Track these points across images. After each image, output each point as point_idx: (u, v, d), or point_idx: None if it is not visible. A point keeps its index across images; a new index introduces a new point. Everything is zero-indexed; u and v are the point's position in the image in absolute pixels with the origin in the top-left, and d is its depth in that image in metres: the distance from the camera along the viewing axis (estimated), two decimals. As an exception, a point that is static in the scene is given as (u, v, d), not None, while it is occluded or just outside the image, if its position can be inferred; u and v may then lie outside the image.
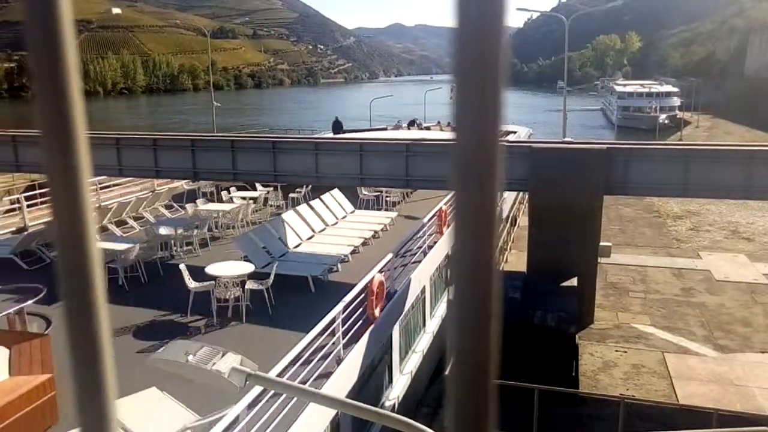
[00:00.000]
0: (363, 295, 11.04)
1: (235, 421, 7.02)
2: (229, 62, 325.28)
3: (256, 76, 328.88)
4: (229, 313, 12.13)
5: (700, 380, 14.74)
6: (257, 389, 7.31)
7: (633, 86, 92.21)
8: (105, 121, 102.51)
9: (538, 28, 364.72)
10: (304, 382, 8.61)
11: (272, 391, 7.46)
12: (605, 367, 15.42)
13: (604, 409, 13.06)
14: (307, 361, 9.09)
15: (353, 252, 15.91)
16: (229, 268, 12.73)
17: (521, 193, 26.72)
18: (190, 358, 7.91)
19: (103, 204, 19.40)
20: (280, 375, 8.01)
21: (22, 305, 10.60)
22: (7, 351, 8.01)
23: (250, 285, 12.42)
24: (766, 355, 15.95)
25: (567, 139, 27.16)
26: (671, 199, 30.43)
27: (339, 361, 9.73)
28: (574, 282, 15.41)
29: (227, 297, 12.20)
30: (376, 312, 11.14)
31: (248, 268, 12.86)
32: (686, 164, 15.29)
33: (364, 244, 16.79)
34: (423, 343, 14.59)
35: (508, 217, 25.36)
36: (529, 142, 20.54)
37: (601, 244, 17.01)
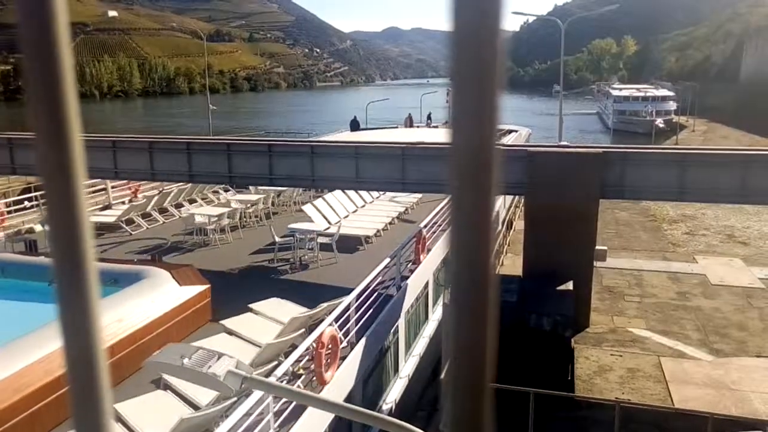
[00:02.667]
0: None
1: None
2: (226, 65, 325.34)
3: (252, 79, 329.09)
4: (306, 259, 15.93)
5: (696, 384, 14.76)
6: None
7: (629, 90, 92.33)
8: (101, 123, 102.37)
9: (534, 32, 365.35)
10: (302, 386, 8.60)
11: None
12: (601, 370, 15.43)
13: (600, 413, 13.06)
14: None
15: (390, 223, 19.35)
16: (305, 227, 16.41)
17: (517, 197, 26.77)
18: (186, 361, 7.89)
19: (179, 187, 22.39)
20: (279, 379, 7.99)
21: (156, 251, 16.13)
22: (167, 272, 12.12)
23: (320, 239, 16.08)
24: (761, 359, 15.98)
25: (563, 143, 27.20)
26: (667, 203, 30.50)
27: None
28: (569, 285, 15.42)
29: (303, 247, 16.14)
30: (422, 257, 14.48)
31: (317, 227, 16.54)
32: (682, 168, 15.32)
33: (397, 217, 20.26)
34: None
35: (504, 220, 25.40)
36: (526, 145, 20.60)
37: (597, 247, 17.02)
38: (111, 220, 19.02)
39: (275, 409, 7.75)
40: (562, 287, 15.33)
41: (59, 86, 0.52)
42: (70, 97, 0.53)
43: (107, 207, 21.54)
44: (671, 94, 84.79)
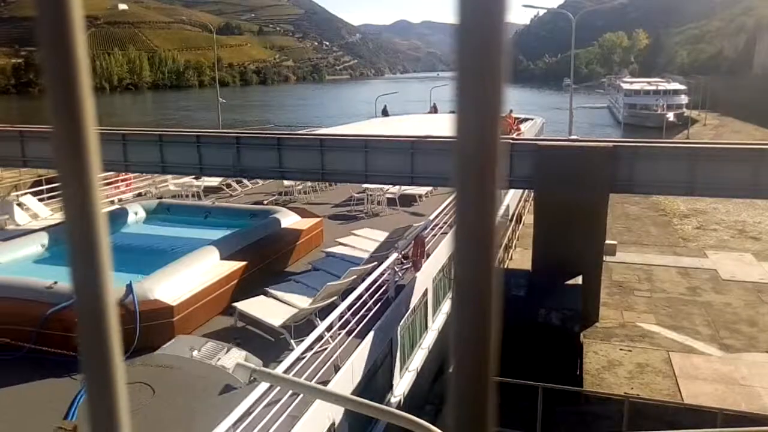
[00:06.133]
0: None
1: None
2: (235, 58, 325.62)
3: (262, 72, 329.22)
4: (375, 210, 20.24)
5: (705, 379, 14.70)
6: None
7: (640, 84, 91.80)
8: (111, 116, 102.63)
9: (545, 25, 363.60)
10: (310, 379, 8.61)
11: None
12: (610, 365, 15.40)
13: (609, 408, 13.05)
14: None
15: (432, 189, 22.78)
16: (374, 186, 20.21)
17: (527, 191, 26.70)
18: (195, 353, 7.94)
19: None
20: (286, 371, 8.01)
21: (271, 198, 21.68)
22: (288, 210, 16.81)
23: (387, 195, 20.74)
24: (771, 355, 15.90)
25: (573, 137, 27.12)
26: (677, 198, 30.34)
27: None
28: (579, 280, 15.38)
29: (373, 202, 20.60)
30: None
31: (384, 186, 20.28)
32: (693, 163, 15.21)
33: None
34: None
35: (513, 214, 25.34)
36: (536, 139, 20.52)
37: (607, 242, 16.96)
38: (215, 184, 23.69)
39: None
40: (571, 282, 15.29)
41: (75, 79, 0.53)
42: (85, 90, 0.54)
43: (198, 176, 25.14)
44: (683, 87, 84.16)
